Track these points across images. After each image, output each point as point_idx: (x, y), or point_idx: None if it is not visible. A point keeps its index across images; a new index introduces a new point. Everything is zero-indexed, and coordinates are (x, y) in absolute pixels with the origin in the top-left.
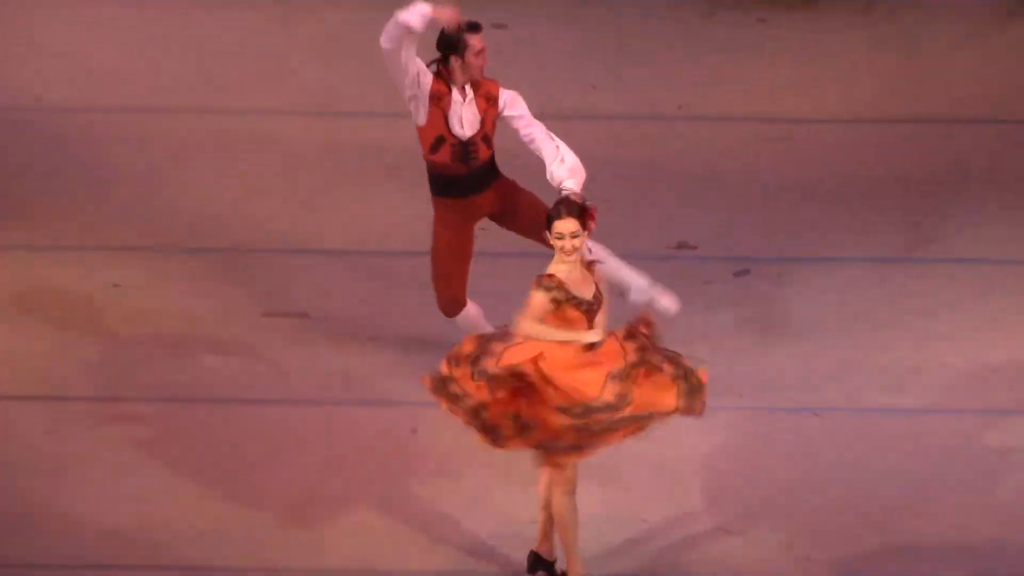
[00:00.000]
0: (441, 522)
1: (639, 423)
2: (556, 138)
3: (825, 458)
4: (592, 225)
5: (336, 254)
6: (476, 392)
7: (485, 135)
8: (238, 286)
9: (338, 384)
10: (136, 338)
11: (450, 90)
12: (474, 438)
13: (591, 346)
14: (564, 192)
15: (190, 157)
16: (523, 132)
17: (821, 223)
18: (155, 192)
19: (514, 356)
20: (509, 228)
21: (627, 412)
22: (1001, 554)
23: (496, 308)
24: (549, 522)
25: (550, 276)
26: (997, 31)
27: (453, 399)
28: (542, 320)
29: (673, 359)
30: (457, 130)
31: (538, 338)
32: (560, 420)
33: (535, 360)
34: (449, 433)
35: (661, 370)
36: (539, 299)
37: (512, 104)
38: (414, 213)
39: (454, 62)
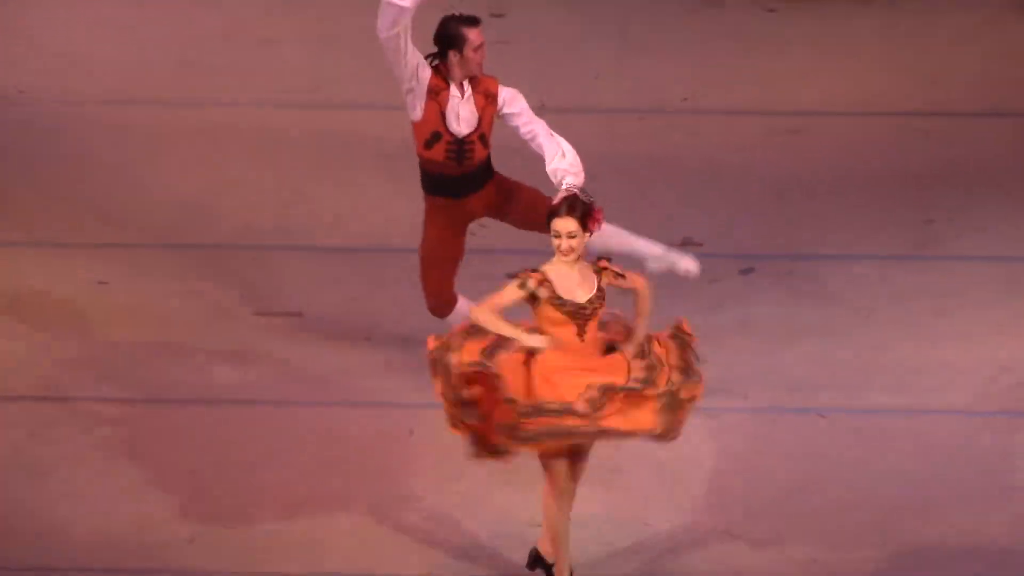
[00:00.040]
0: (439, 524)
1: (607, 437)
2: (557, 135)
3: (830, 459)
4: (594, 227)
5: (330, 251)
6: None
7: (482, 134)
8: (229, 284)
9: (334, 384)
10: (123, 337)
11: (448, 86)
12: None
13: (531, 351)
14: (564, 189)
15: (176, 150)
16: (523, 129)
17: (829, 219)
18: (141, 186)
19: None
20: (509, 222)
21: (590, 426)
22: (1009, 557)
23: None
24: None
25: (532, 271)
26: (1012, 22)
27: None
28: (502, 310)
29: (674, 386)
30: (454, 127)
31: (484, 327)
32: (506, 412)
33: (526, 360)
34: (447, 434)
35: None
36: (507, 291)
37: (512, 101)
38: (409, 207)
39: (452, 57)
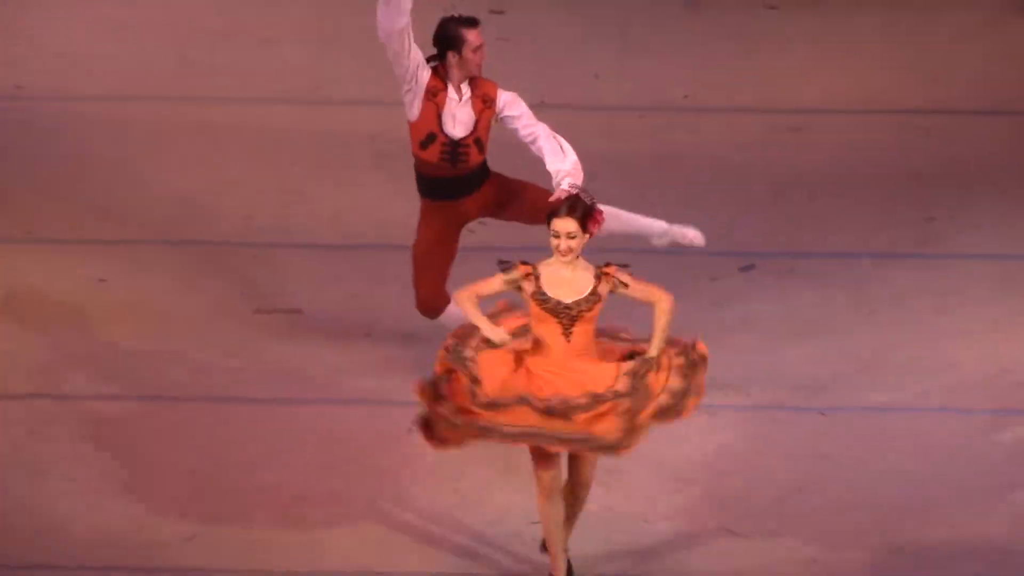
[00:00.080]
0: (439, 522)
1: (566, 445)
2: (559, 137)
3: (831, 458)
4: (595, 228)
5: (330, 248)
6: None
7: (478, 138)
8: (229, 281)
9: (333, 382)
10: (122, 335)
11: (446, 87)
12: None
13: (489, 342)
14: (563, 189)
15: (176, 147)
16: (523, 132)
17: (830, 217)
18: (140, 184)
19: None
20: (511, 219)
21: (543, 429)
22: (1009, 557)
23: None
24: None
25: (522, 263)
26: (1012, 21)
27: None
28: (483, 297)
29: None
30: (449, 129)
31: (460, 309)
32: (467, 400)
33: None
34: None
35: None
36: (493, 280)
37: (511, 105)
38: (408, 205)
39: (451, 58)
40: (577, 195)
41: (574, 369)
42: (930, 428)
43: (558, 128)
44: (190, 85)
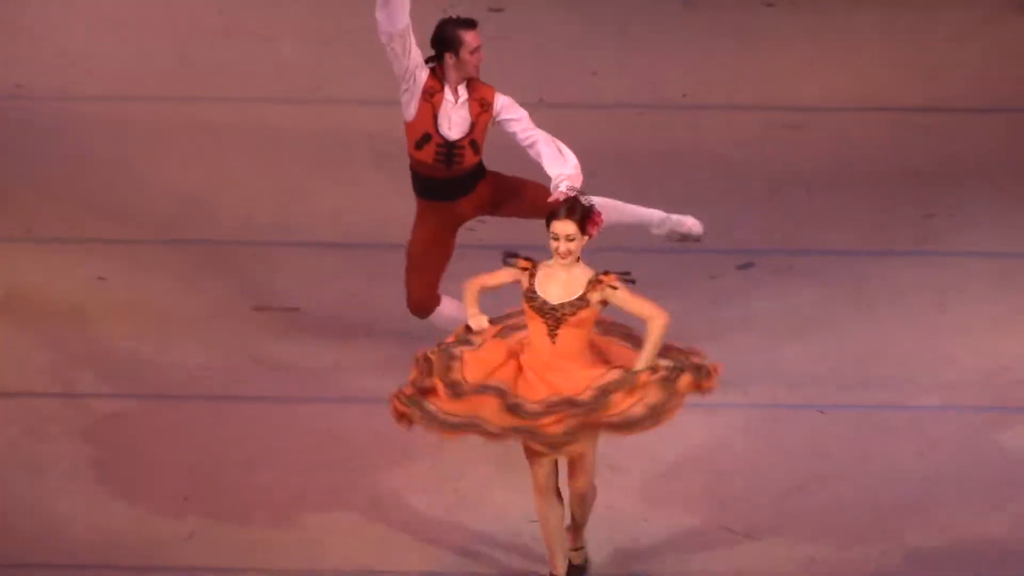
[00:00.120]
0: (438, 521)
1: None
2: (557, 140)
3: (830, 456)
4: (594, 231)
5: (329, 246)
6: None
7: (473, 140)
8: (228, 279)
9: (332, 380)
10: (121, 333)
11: (443, 88)
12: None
13: (468, 328)
14: (560, 191)
15: (175, 146)
16: (521, 136)
17: (829, 215)
18: (140, 182)
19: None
20: (508, 215)
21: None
22: (1009, 555)
23: (491, 303)
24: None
25: (524, 259)
26: (1011, 19)
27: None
28: (487, 288)
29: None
30: (444, 130)
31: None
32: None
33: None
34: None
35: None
36: (501, 271)
37: (508, 109)
38: (407, 203)
39: (448, 60)
40: (575, 197)
41: (556, 370)
42: (929, 426)
43: (557, 125)
44: (190, 84)
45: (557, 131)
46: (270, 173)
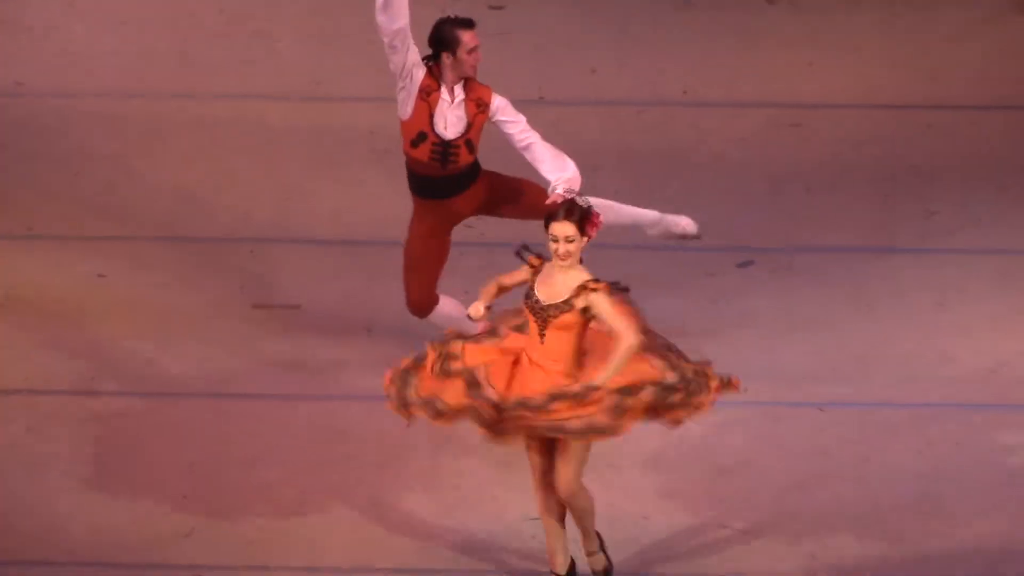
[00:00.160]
0: (438, 518)
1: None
2: (553, 147)
3: (830, 454)
4: (593, 232)
5: (329, 244)
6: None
7: (468, 140)
8: (228, 277)
9: (332, 378)
10: (121, 330)
11: (439, 87)
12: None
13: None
14: (558, 193)
15: (175, 143)
16: (518, 137)
17: (829, 212)
18: (139, 180)
19: (474, 356)
20: (505, 216)
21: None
22: (1011, 554)
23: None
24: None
25: (537, 256)
26: (1011, 18)
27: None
28: (505, 285)
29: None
30: (440, 129)
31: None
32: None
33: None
34: (446, 428)
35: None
36: (519, 270)
37: (504, 110)
38: (407, 201)
39: (445, 59)
40: (574, 199)
41: (539, 369)
42: (929, 424)
43: (557, 123)
44: (190, 82)
45: (557, 129)
46: (270, 171)
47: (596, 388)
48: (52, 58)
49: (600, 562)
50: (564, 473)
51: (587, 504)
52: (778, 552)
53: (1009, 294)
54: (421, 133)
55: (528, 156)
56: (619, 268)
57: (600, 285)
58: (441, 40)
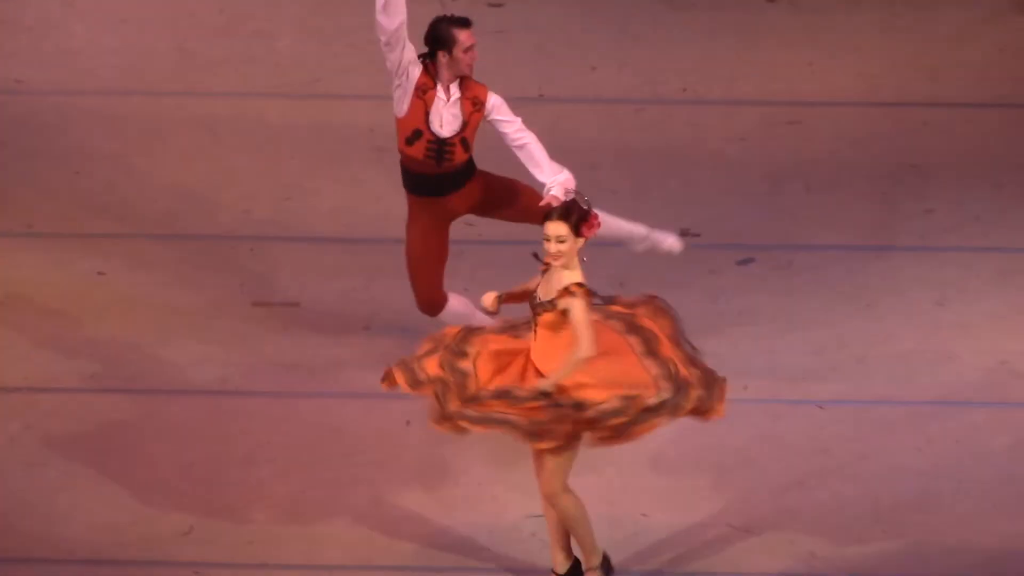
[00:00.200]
0: (437, 515)
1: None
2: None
3: (830, 451)
4: (589, 233)
5: (328, 242)
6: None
7: (464, 138)
8: (227, 275)
9: (331, 375)
10: (120, 328)
11: (435, 85)
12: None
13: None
14: (552, 195)
15: (174, 141)
16: (514, 136)
17: (829, 210)
18: (139, 177)
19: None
20: (499, 218)
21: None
22: (1011, 552)
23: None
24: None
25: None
26: (1012, 17)
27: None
28: (528, 287)
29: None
30: (435, 127)
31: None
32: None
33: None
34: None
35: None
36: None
37: (500, 109)
38: (405, 198)
39: (441, 58)
40: (573, 200)
41: (531, 365)
42: (928, 421)
43: (556, 120)
44: (189, 80)
45: (556, 126)
46: (269, 168)
47: (546, 394)
48: (52, 56)
49: (597, 560)
50: (541, 474)
51: (572, 510)
52: (778, 549)
53: (1009, 292)
54: (416, 131)
55: (522, 156)
56: (619, 266)
57: (580, 290)
58: (437, 38)
